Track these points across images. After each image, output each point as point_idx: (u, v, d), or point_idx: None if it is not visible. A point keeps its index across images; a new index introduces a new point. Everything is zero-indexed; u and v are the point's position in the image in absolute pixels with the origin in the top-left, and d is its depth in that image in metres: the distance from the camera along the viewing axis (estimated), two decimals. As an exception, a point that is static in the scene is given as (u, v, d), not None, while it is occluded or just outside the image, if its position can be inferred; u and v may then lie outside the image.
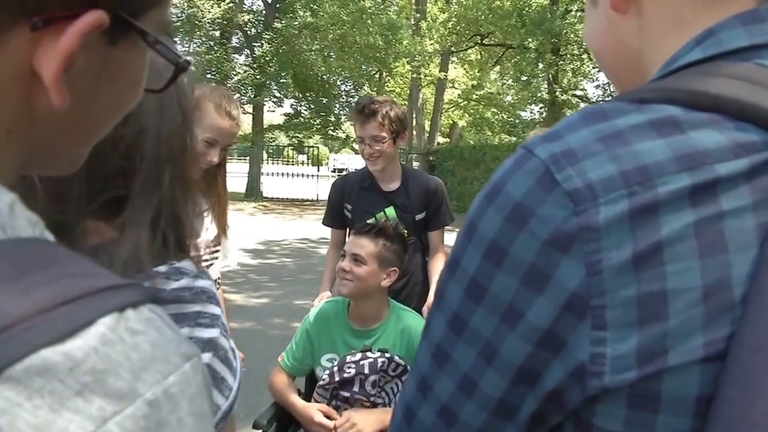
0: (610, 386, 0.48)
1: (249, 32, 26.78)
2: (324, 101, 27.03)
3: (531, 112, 26.26)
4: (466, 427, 0.55)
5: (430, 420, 0.56)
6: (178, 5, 23.91)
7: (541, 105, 24.12)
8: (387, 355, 2.17)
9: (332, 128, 27.96)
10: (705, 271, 0.46)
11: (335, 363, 2.20)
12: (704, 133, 0.48)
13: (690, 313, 0.46)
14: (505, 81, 25.97)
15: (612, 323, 0.47)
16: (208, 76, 25.08)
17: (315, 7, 23.66)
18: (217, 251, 2.31)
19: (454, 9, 20.29)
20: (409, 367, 2.17)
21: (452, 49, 21.36)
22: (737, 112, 0.49)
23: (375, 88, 26.28)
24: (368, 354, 2.17)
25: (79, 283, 0.35)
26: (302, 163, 37.61)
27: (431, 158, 22.25)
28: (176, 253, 0.80)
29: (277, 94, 27.52)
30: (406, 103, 25.72)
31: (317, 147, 29.49)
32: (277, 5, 26.33)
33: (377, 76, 26.09)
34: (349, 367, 2.17)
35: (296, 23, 24.09)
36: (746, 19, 0.54)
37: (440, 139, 27.21)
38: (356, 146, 3.03)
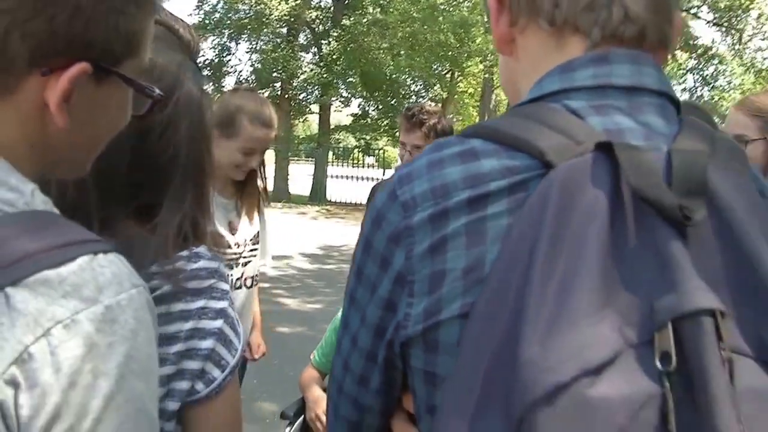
0: (411, 335, 0.69)
1: (316, 29, 26.43)
2: (393, 102, 26.27)
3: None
4: (363, 350, 0.78)
5: (347, 344, 0.81)
6: (246, 2, 23.73)
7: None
8: None
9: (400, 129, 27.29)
10: (468, 256, 0.65)
11: None
12: (489, 160, 0.68)
13: (455, 284, 0.66)
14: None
15: (416, 292, 0.69)
16: (274, 74, 25.00)
17: (384, 3, 23.17)
18: (256, 249, 2.52)
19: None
20: None
21: None
22: (512, 143, 0.68)
23: (446, 89, 25.47)
24: None
25: (69, 236, 0.61)
26: (370, 166, 37.34)
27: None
28: (194, 242, 1.00)
29: (345, 94, 27.10)
30: (479, 104, 24.74)
31: (384, 149, 28.89)
32: (346, 1, 25.82)
33: (449, 75, 25.19)
34: None
35: (365, 20, 23.48)
36: (562, 68, 0.73)
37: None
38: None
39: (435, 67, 23.75)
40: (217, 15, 25.81)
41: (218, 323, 0.97)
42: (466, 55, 21.02)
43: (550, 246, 0.59)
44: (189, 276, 0.95)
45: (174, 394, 0.93)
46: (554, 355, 0.53)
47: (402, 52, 22.00)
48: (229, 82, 26.92)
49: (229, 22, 25.40)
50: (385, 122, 26.62)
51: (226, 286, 1.01)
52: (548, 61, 0.74)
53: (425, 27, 20.63)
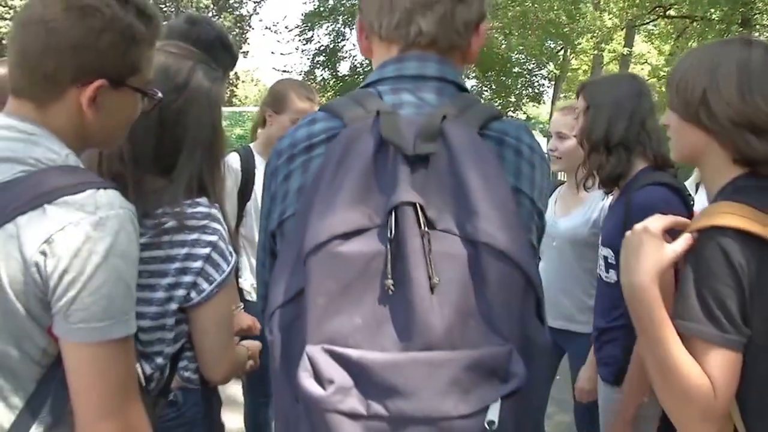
0: (274, 228, 1.12)
1: None
2: (506, 80, 26.04)
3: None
4: (262, 244, 1.18)
5: (259, 247, 1.19)
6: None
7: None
8: None
9: (512, 109, 26.87)
10: (300, 180, 1.09)
11: None
12: (320, 124, 1.09)
13: (293, 197, 1.10)
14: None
15: (277, 203, 1.12)
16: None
17: None
18: None
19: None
20: None
21: (633, 22, 19.31)
22: (334, 113, 1.08)
23: (558, 66, 24.83)
24: None
25: (83, 178, 1.07)
26: None
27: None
28: (198, 194, 1.41)
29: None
30: (587, 82, 23.96)
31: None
32: (458, -17, 25.87)
33: (561, 53, 24.49)
34: None
35: None
36: (379, 66, 1.15)
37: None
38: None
39: (549, 44, 23.11)
40: (331, 2, 26.53)
41: (207, 250, 1.35)
42: (577, 32, 20.27)
43: (333, 171, 0.95)
44: (188, 216, 1.35)
45: (174, 299, 1.34)
46: (320, 228, 0.90)
47: (514, 32, 21.61)
48: (344, 67, 27.74)
49: (342, 8, 26.06)
50: (497, 102, 26.49)
51: (217, 226, 1.39)
52: (380, 60, 1.16)
53: (535, 6, 20.18)
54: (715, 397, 1.12)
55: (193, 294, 1.36)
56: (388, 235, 0.89)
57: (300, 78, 27.18)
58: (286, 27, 28.41)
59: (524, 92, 27.23)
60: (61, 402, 1.08)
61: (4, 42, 22.85)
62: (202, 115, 1.45)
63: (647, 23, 20.56)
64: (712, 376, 1.12)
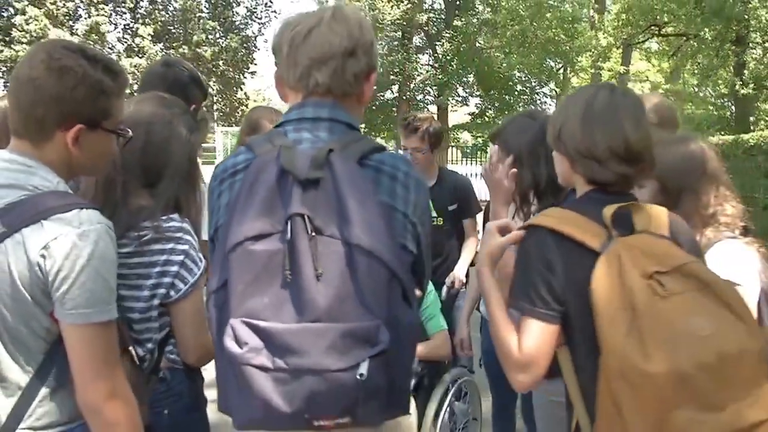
0: (212, 236, 1.43)
1: (430, 32, 26.80)
2: (509, 99, 26.27)
3: (713, 109, 23.47)
4: (210, 249, 1.45)
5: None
6: (362, 9, 24.67)
7: (723, 100, 21.47)
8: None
9: (514, 126, 27.13)
10: (227, 197, 1.38)
11: None
12: (241, 155, 1.42)
13: (222, 210, 1.38)
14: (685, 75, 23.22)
15: (213, 215, 1.43)
16: (391, 77, 25.68)
17: (494, 2, 23.14)
18: None
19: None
20: None
21: (629, 41, 19.58)
22: (251, 148, 1.39)
23: (559, 85, 25.15)
24: None
25: (70, 201, 1.40)
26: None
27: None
28: (174, 211, 1.75)
29: (462, 93, 27.32)
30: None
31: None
32: (457, 2, 26.03)
33: (561, 72, 24.91)
34: None
35: (474, 20, 23.82)
36: (286, 112, 1.47)
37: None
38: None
39: (548, 63, 23.52)
40: None
41: (181, 257, 1.68)
42: (575, 50, 20.71)
43: (247, 191, 1.26)
44: (164, 229, 1.69)
45: (156, 296, 1.67)
46: (238, 232, 1.22)
47: (513, 51, 22.00)
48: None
49: None
50: (500, 119, 26.81)
51: (189, 237, 1.72)
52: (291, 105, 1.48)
53: (534, 24, 20.63)
54: (520, 352, 1.40)
55: (171, 293, 1.69)
56: (287, 238, 1.22)
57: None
58: (290, 47, 28.40)
59: (527, 110, 27.02)
60: (63, 370, 1.42)
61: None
62: (182, 154, 1.82)
63: (643, 42, 20.85)
64: (521, 338, 1.41)
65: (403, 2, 23.81)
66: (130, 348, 1.65)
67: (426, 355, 2.86)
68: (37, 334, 1.42)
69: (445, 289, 3.42)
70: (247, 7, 27.94)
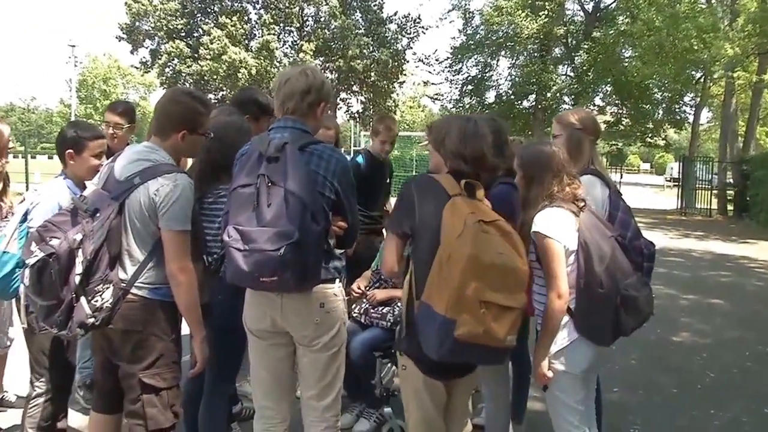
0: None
1: (570, 44, 27.76)
2: (646, 107, 26.73)
3: None
4: None
5: None
6: (500, 23, 26.20)
7: None
8: None
9: (650, 135, 27.53)
10: (234, 181, 2.66)
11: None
12: (246, 146, 2.61)
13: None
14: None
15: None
16: (528, 87, 26.95)
17: (634, 12, 23.40)
18: None
19: (754, 8, 18.25)
20: None
21: (757, 50, 19.06)
22: (251, 143, 2.62)
23: (699, 94, 25.00)
24: None
25: (172, 168, 2.61)
26: (646, 172, 35.05)
27: (744, 167, 20.72)
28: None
29: (599, 102, 27.92)
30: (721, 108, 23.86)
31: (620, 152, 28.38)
32: (597, 14, 26.88)
33: (701, 80, 24.61)
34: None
35: (611, 31, 24.33)
36: (274, 124, 2.64)
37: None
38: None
39: (689, 72, 23.30)
40: (478, 36, 28.49)
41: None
42: (711, 60, 20.27)
43: (242, 163, 2.46)
44: (223, 194, 2.88)
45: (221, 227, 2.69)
46: (234, 183, 2.45)
47: (650, 60, 22.09)
48: (490, 95, 29.65)
49: (488, 42, 27.88)
50: (636, 129, 27.06)
51: None
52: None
53: (669, 35, 20.79)
54: (385, 261, 2.46)
55: None
56: (257, 186, 2.27)
57: (450, 105, 29.81)
58: (436, 59, 30.49)
59: (665, 119, 27.44)
60: (160, 254, 2.48)
61: (206, 78, 28.18)
62: (231, 152, 2.65)
63: (773, 50, 20.08)
64: (385, 247, 2.51)
65: (540, 17, 24.88)
66: (204, 256, 2.81)
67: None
68: (149, 234, 2.49)
69: None
70: (398, 24, 30.01)
